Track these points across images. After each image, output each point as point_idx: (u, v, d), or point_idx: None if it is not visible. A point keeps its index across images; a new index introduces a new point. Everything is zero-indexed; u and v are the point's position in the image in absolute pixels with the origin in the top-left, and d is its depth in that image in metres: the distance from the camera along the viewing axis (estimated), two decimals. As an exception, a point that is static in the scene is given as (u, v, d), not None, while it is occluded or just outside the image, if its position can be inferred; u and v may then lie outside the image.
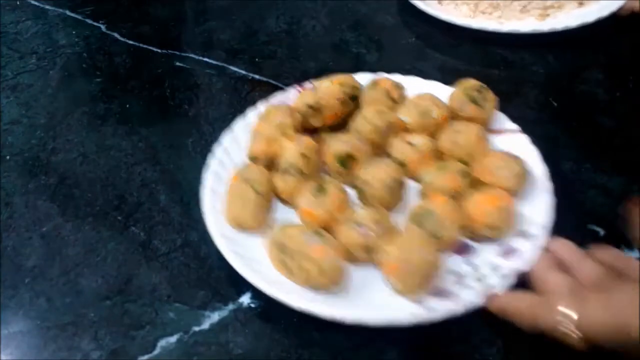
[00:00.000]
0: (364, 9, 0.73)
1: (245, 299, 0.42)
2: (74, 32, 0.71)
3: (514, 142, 0.49)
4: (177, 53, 0.67)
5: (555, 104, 0.57)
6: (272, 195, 0.46)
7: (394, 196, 0.45)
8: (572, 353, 0.35)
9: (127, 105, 0.60)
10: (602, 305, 0.34)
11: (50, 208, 0.50)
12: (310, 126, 0.51)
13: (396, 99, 0.51)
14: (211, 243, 0.46)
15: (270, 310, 0.41)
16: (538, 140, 0.48)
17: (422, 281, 0.39)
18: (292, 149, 0.46)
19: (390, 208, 0.44)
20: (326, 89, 0.51)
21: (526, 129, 0.50)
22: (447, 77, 0.55)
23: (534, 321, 0.36)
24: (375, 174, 0.44)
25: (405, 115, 0.49)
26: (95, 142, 0.56)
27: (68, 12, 0.75)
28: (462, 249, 0.42)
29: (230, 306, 0.42)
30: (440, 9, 0.67)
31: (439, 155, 0.48)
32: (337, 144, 0.47)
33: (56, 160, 0.54)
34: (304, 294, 0.40)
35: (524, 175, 0.44)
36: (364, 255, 0.41)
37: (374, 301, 0.40)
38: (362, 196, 0.45)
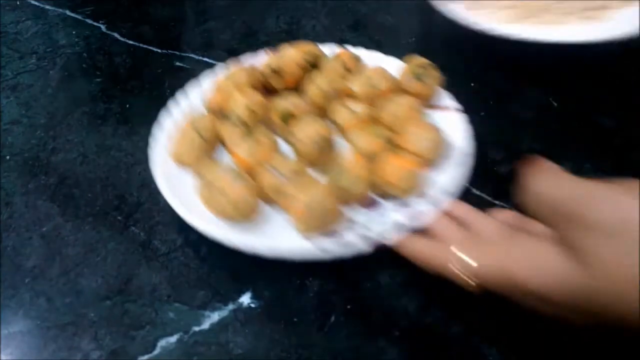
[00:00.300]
0: (364, 9, 0.73)
1: (245, 299, 0.42)
2: (74, 32, 0.71)
3: (450, 118, 0.52)
4: (177, 53, 0.67)
5: (556, 104, 0.58)
6: (216, 142, 0.52)
7: (321, 153, 0.48)
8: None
9: (127, 105, 0.60)
10: (494, 255, 0.36)
11: (50, 208, 0.50)
12: (272, 87, 0.56)
13: (351, 69, 0.56)
14: (211, 243, 0.46)
15: (270, 310, 0.42)
16: (537, 139, 0.48)
17: (321, 225, 0.43)
18: (241, 102, 0.52)
19: (319, 164, 0.48)
20: (288, 55, 0.56)
21: (525, 128, 0.50)
22: (447, 77, 0.55)
23: (432, 263, 0.40)
24: (306, 131, 0.49)
25: (354, 84, 0.54)
26: (95, 142, 0.56)
27: (68, 12, 0.75)
28: (370, 204, 0.47)
29: (230, 306, 0.42)
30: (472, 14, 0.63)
31: (375, 122, 0.51)
32: (282, 103, 0.52)
33: (56, 160, 0.55)
34: (219, 224, 0.45)
35: (439, 145, 0.48)
36: (277, 197, 0.46)
37: (278, 237, 0.44)
38: (294, 150, 0.50)
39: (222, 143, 0.52)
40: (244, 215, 0.45)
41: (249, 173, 0.47)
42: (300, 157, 0.49)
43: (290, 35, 0.69)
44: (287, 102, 0.52)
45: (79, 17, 0.74)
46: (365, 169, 0.46)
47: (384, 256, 0.43)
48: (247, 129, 0.50)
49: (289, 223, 0.45)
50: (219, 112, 0.53)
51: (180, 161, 0.50)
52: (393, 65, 0.57)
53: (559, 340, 0.38)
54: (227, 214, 0.45)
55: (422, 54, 0.57)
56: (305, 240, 0.44)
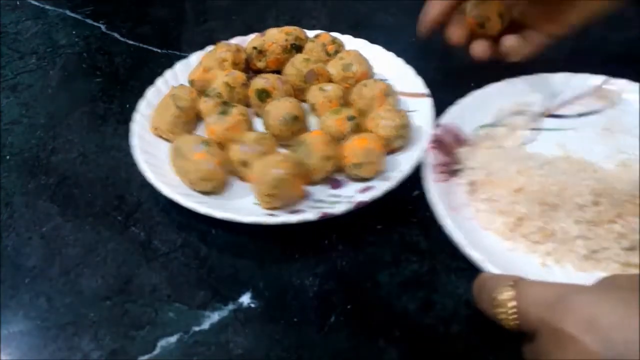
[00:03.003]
0: (364, 9, 0.73)
1: (245, 299, 0.42)
2: (74, 32, 0.71)
3: (420, 104, 0.54)
4: (177, 53, 0.66)
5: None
6: (194, 114, 0.54)
7: (289, 129, 0.51)
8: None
9: (127, 105, 0.60)
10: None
11: (50, 208, 0.50)
12: (256, 67, 0.59)
13: (331, 52, 0.58)
14: (211, 243, 0.46)
15: (270, 310, 0.42)
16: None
17: (278, 195, 0.45)
18: (221, 78, 0.54)
19: (288, 139, 0.51)
20: (272, 36, 0.59)
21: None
22: (447, 78, 0.55)
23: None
24: (277, 108, 0.51)
25: (331, 67, 0.57)
26: (95, 142, 0.56)
27: (68, 12, 0.75)
28: (331, 182, 0.49)
29: (230, 306, 0.42)
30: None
31: (346, 104, 0.53)
32: (259, 81, 0.54)
33: (56, 160, 0.54)
34: (186, 193, 0.47)
35: (401, 128, 0.50)
36: (241, 170, 0.48)
37: (238, 205, 0.47)
38: (266, 127, 0.52)
39: (201, 117, 0.54)
40: (210, 185, 0.47)
41: (220, 146, 0.50)
42: (271, 133, 0.51)
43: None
44: (264, 81, 0.54)
45: (79, 17, 0.74)
46: (329, 148, 0.48)
47: (384, 256, 0.44)
48: (223, 103, 0.52)
49: (251, 193, 0.47)
50: (200, 87, 0.56)
51: (157, 130, 0.53)
52: (380, 54, 0.59)
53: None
54: (195, 183, 0.47)
55: (423, 53, 0.57)
56: (260, 208, 0.46)
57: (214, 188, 0.48)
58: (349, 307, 0.42)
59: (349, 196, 0.47)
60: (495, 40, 0.53)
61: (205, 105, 0.53)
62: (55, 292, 0.43)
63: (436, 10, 0.52)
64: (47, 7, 0.76)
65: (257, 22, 0.64)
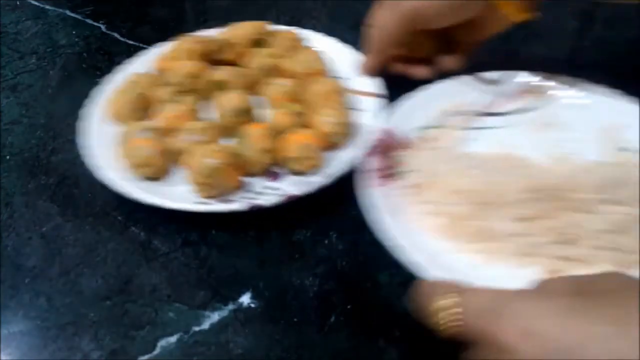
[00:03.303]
0: (364, 9, 0.73)
1: (245, 299, 0.42)
2: (74, 32, 0.71)
3: (372, 104, 0.54)
4: (177, 53, 0.66)
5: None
6: (153, 101, 0.55)
7: (237, 120, 0.52)
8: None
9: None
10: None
11: (50, 208, 0.50)
12: (221, 60, 0.60)
13: (293, 49, 0.59)
14: (211, 243, 0.46)
15: (270, 310, 0.42)
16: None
17: (212, 184, 0.46)
18: (179, 68, 0.56)
19: (235, 133, 0.51)
20: (236, 30, 0.61)
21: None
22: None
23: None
24: (227, 99, 0.52)
25: (290, 62, 0.58)
26: (95, 142, 0.56)
27: (68, 12, 0.75)
28: (271, 175, 0.50)
29: (230, 306, 0.42)
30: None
31: (297, 99, 0.54)
32: (217, 73, 0.56)
33: (56, 160, 0.54)
34: (127, 177, 0.48)
35: (343, 125, 0.51)
36: (182, 157, 0.49)
37: (177, 193, 0.48)
38: (217, 115, 0.53)
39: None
40: (149, 171, 0.49)
41: (168, 134, 0.51)
42: (221, 124, 0.52)
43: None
44: (222, 73, 0.56)
45: (79, 17, 0.74)
46: (267, 141, 0.49)
47: (384, 256, 0.44)
48: (178, 93, 0.54)
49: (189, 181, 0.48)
50: (163, 76, 0.57)
51: (113, 115, 0.54)
52: (345, 53, 0.60)
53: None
54: (134, 168, 0.49)
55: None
56: (197, 196, 0.47)
57: (154, 174, 0.49)
58: (349, 307, 0.42)
59: (284, 189, 0.48)
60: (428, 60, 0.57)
61: (164, 93, 0.55)
62: (55, 292, 0.43)
63: (370, 65, 0.56)
64: (47, 7, 0.76)
65: (256, 21, 0.64)
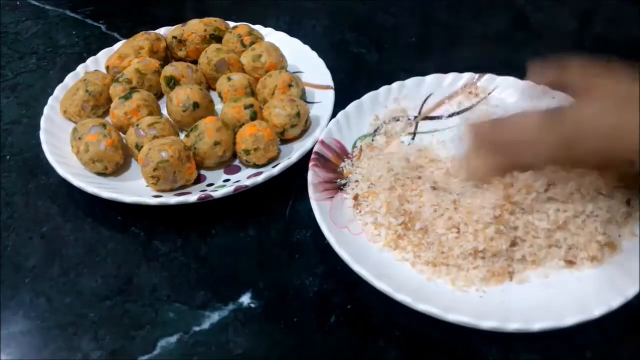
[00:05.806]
0: (364, 9, 0.73)
1: (245, 299, 0.42)
2: (74, 32, 0.71)
3: (324, 96, 0.55)
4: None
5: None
6: (104, 99, 0.56)
7: (189, 115, 0.52)
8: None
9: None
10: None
11: (50, 208, 0.50)
12: (177, 56, 0.62)
13: (246, 44, 0.60)
14: (211, 243, 0.46)
15: (270, 310, 0.42)
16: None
17: (160, 176, 0.47)
18: (132, 65, 0.57)
19: (190, 125, 0.52)
20: (192, 26, 0.61)
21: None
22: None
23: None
24: (178, 94, 0.53)
25: (243, 57, 0.58)
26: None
27: (68, 12, 0.75)
28: (228, 167, 0.51)
29: (230, 306, 0.42)
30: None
31: (250, 93, 0.55)
32: (168, 68, 0.56)
33: (56, 160, 0.54)
34: (81, 173, 0.49)
35: (294, 117, 0.51)
36: (136, 152, 0.50)
37: (131, 187, 0.49)
38: (167, 111, 0.54)
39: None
40: (101, 166, 0.49)
41: (121, 130, 0.52)
42: (172, 119, 0.53)
43: (291, 35, 0.69)
44: (173, 69, 0.56)
45: (79, 17, 0.74)
46: (219, 135, 0.49)
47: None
48: (130, 89, 0.54)
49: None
50: (115, 73, 0.58)
51: (66, 113, 0.55)
52: (295, 46, 0.61)
53: (557, 339, 0.38)
54: (86, 163, 0.49)
55: (422, 53, 0.57)
56: (151, 190, 0.48)
57: (105, 169, 0.50)
58: (349, 307, 0.42)
59: (236, 181, 0.48)
60: None
61: (114, 90, 0.55)
62: (55, 292, 0.43)
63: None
64: (47, 7, 0.76)
65: (257, 22, 0.64)
